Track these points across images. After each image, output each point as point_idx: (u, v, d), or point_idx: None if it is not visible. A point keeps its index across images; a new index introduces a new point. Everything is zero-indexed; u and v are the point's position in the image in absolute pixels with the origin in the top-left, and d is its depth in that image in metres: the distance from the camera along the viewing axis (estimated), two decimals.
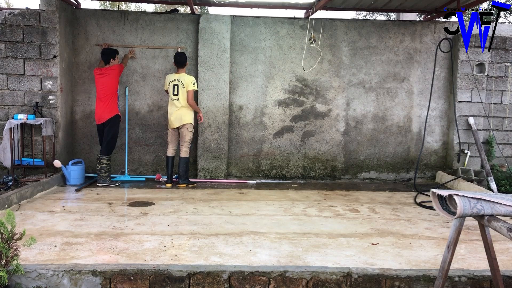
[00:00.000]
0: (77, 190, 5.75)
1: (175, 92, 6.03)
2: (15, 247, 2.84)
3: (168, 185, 6.21)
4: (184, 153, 6.19)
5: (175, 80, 6.04)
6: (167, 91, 6.21)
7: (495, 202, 2.38)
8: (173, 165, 6.32)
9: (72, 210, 4.80)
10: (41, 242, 3.67)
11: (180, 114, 6.04)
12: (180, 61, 6.07)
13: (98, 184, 6.11)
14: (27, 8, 6.14)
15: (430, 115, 7.04)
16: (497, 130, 7.15)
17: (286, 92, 6.95)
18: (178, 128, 6.14)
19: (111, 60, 6.13)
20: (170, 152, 6.26)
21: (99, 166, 6.12)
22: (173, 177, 6.39)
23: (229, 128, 6.88)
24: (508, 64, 7.00)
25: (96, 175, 6.48)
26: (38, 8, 6.05)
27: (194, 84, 6.04)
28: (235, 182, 6.71)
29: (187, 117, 6.09)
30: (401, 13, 8.70)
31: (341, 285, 3.04)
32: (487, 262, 2.63)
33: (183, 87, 6.01)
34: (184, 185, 6.21)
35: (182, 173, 6.21)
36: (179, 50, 6.67)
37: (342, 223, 4.56)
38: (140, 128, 6.85)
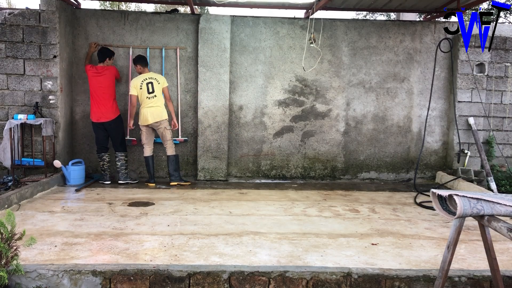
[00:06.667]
0: (77, 190, 5.75)
1: (151, 90, 6.03)
2: (15, 247, 2.84)
3: (151, 185, 6.19)
4: (171, 150, 6.24)
5: (147, 78, 6.07)
6: (132, 96, 6.09)
7: (495, 202, 2.38)
8: (154, 164, 6.42)
9: (72, 210, 4.80)
10: (41, 242, 3.66)
11: (157, 110, 6.08)
12: (145, 62, 6.17)
13: (120, 182, 6.25)
14: (27, 8, 6.14)
15: (430, 115, 7.04)
16: (497, 130, 7.15)
17: (286, 92, 6.95)
18: (152, 125, 6.11)
19: (107, 59, 6.22)
20: (148, 152, 6.27)
21: (119, 164, 6.29)
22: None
23: (229, 128, 6.88)
24: (508, 64, 7.00)
25: (98, 175, 6.51)
26: (38, 8, 6.04)
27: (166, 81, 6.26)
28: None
29: (164, 113, 6.14)
30: (401, 13, 8.69)
31: (341, 285, 3.04)
32: (487, 262, 2.63)
33: (159, 83, 6.08)
34: (176, 183, 6.21)
35: (172, 171, 6.24)
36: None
37: (342, 223, 4.56)
38: (139, 128, 6.83)
